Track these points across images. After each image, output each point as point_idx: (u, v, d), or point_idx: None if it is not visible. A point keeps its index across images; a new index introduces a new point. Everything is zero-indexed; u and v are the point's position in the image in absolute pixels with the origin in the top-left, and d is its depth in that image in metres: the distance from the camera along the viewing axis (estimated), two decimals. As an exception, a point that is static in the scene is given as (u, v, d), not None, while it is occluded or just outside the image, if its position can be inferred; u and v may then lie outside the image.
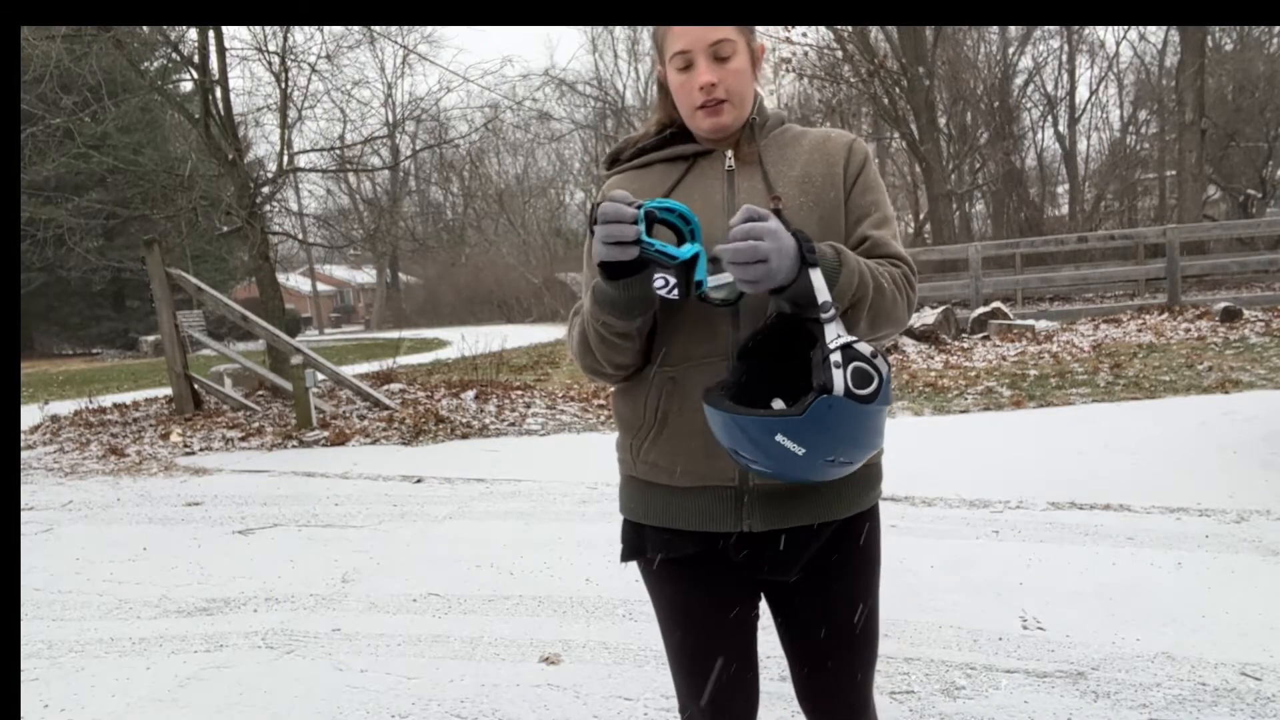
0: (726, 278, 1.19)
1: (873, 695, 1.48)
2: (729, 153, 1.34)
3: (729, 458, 1.23)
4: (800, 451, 1.10)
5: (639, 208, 1.14)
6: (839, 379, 1.09)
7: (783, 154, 1.35)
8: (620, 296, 1.21)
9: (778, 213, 1.26)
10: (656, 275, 1.18)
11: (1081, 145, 26.92)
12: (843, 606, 1.39)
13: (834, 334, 1.12)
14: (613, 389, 1.42)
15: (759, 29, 1.36)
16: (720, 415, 1.15)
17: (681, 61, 1.28)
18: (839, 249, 1.21)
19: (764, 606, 1.47)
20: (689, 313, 1.27)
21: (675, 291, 1.18)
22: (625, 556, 1.44)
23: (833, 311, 1.13)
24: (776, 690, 2.28)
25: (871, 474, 1.37)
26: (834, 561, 1.37)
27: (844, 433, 1.11)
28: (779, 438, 1.10)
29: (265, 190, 10.67)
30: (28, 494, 6.02)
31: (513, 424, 7.46)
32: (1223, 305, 10.34)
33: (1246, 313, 10.14)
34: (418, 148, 16.80)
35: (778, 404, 1.19)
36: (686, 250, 1.16)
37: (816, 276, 1.14)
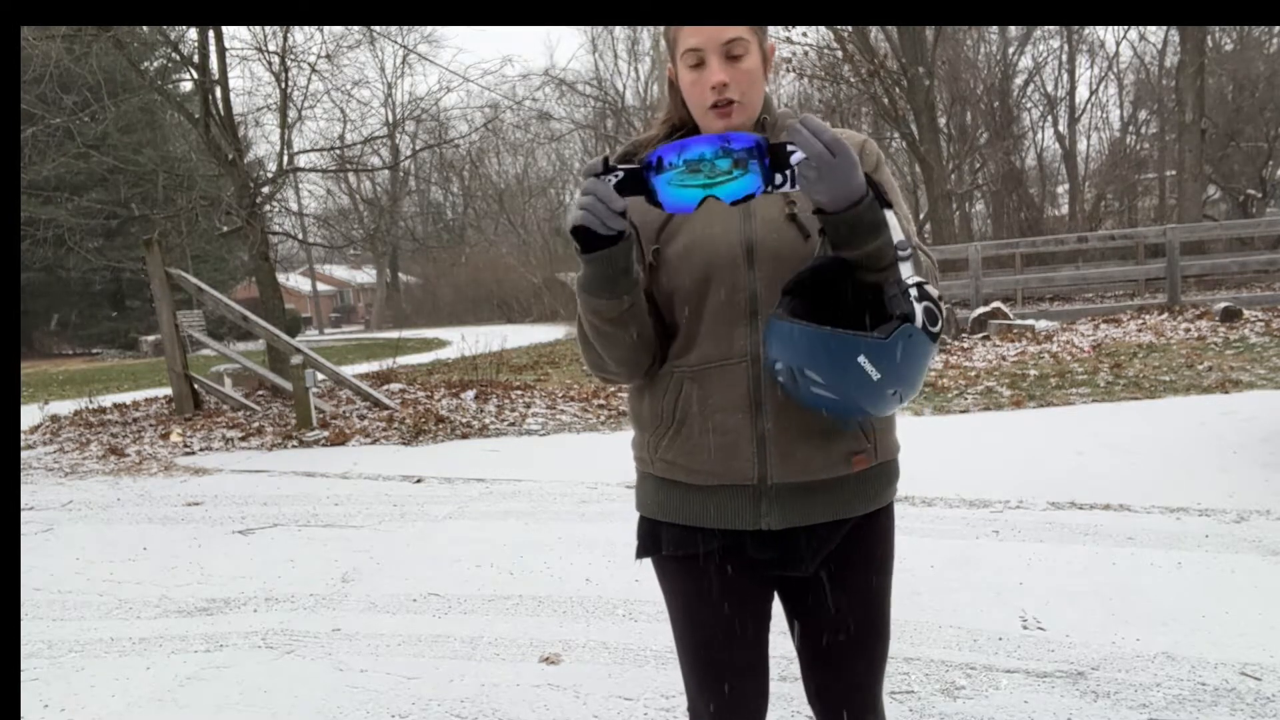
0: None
1: (882, 695, 1.48)
2: None
3: (746, 454, 1.26)
4: (876, 377, 1.10)
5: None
6: (919, 311, 1.11)
7: None
8: (600, 270, 1.19)
9: (793, 216, 1.26)
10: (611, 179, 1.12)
11: (1081, 145, 27.00)
12: (858, 604, 1.39)
13: (909, 272, 1.14)
14: (626, 388, 1.42)
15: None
16: (799, 329, 1.11)
17: (693, 59, 1.26)
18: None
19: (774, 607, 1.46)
20: (710, 315, 1.27)
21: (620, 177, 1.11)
22: (641, 553, 1.44)
23: (909, 250, 1.15)
24: (777, 690, 2.27)
25: (889, 471, 1.37)
26: (851, 559, 1.37)
27: (913, 365, 1.13)
28: (861, 358, 1.09)
29: (265, 190, 10.68)
30: (28, 494, 6.02)
31: (513, 424, 7.46)
32: (1223, 305, 10.33)
33: (1246, 313, 10.14)
34: (418, 148, 16.86)
35: None
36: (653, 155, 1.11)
37: (891, 217, 1.15)
